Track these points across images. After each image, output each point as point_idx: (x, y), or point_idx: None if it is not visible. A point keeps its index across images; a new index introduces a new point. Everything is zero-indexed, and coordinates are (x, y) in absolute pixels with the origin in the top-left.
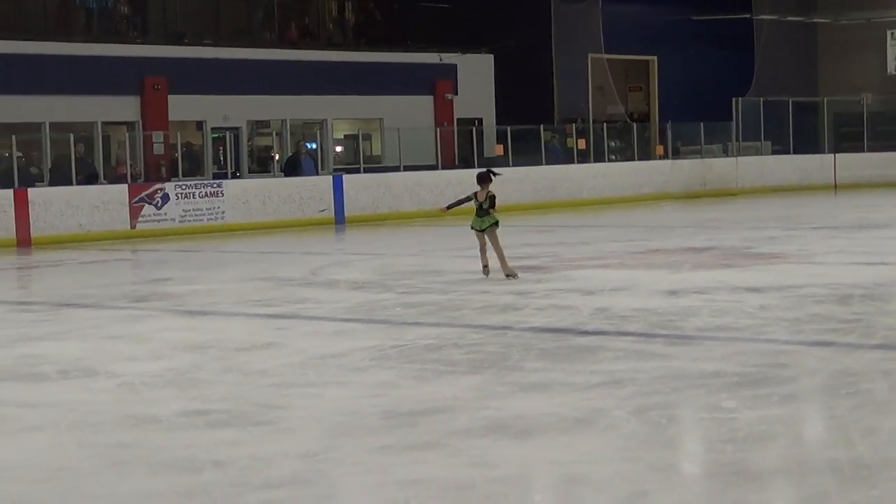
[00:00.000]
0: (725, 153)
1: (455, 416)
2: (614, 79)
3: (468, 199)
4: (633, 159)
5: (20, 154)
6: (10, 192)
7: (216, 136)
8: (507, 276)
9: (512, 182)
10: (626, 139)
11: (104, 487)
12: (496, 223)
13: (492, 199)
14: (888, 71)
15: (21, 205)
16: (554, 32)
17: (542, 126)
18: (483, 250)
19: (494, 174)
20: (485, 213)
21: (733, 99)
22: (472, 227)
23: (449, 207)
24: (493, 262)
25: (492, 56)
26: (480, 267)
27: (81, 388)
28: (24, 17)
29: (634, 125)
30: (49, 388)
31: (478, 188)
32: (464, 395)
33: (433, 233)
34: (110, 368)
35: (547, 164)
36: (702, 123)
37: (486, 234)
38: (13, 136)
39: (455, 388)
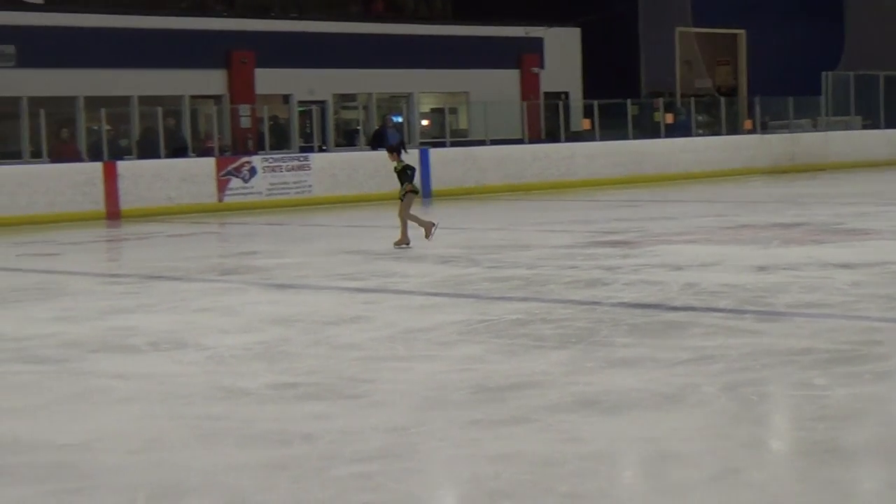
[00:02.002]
0: (814, 128)
1: (544, 392)
2: (702, 52)
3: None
4: (721, 134)
5: (109, 127)
6: (100, 165)
7: (302, 109)
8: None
9: (598, 157)
10: (713, 113)
11: (195, 459)
12: (406, 193)
13: (405, 169)
14: None
15: (110, 178)
16: (641, 6)
17: (628, 100)
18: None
19: (398, 149)
20: (401, 181)
21: (823, 73)
22: (415, 190)
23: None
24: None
25: (579, 30)
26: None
27: (171, 360)
28: None
29: (722, 99)
30: (140, 360)
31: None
32: (552, 371)
33: (520, 206)
34: (200, 341)
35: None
36: (791, 98)
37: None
38: (102, 110)
39: (544, 363)
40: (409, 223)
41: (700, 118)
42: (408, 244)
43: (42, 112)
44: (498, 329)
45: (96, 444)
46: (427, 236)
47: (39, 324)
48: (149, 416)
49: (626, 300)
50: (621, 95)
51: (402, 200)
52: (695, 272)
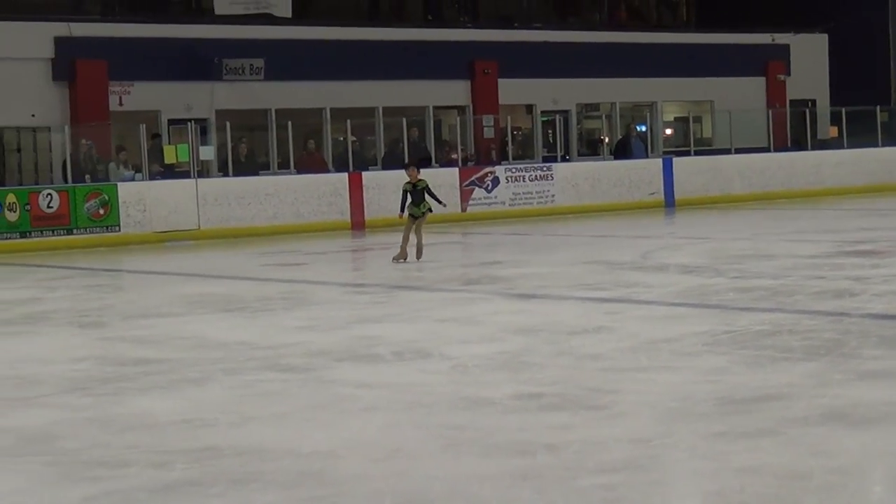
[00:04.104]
0: None
1: (791, 404)
2: None
3: (405, 193)
4: None
5: (354, 138)
6: (345, 175)
7: (545, 119)
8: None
9: (846, 165)
10: None
11: (439, 468)
12: (430, 210)
13: (426, 186)
14: None
15: (356, 188)
16: (891, 10)
17: (877, 107)
18: (407, 238)
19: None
20: (421, 198)
21: None
22: (411, 214)
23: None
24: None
25: (826, 36)
26: (406, 254)
27: (416, 369)
28: (358, 4)
29: None
30: (385, 370)
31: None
32: (800, 383)
33: (765, 216)
34: (443, 351)
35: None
36: None
37: (420, 220)
38: (348, 121)
39: (790, 375)
40: (406, 239)
41: None
42: (405, 259)
43: (289, 124)
44: (743, 340)
45: (341, 452)
46: (397, 259)
47: (286, 333)
48: (393, 425)
49: (875, 311)
50: (870, 102)
51: (416, 218)
52: None
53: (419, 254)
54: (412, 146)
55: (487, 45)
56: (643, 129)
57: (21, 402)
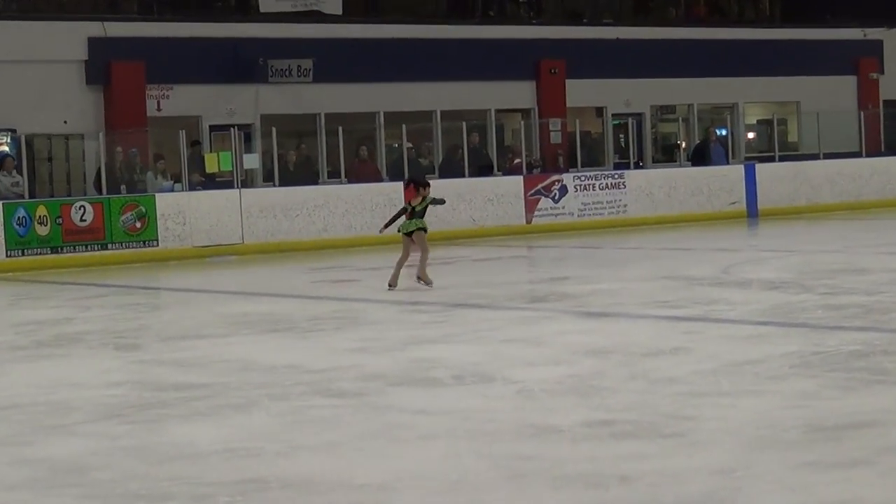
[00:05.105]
0: None
1: (886, 431)
2: None
3: (402, 211)
4: None
5: (410, 144)
6: (400, 184)
7: (617, 122)
8: (422, 281)
9: None
10: None
11: (504, 501)
12: (424, 228)
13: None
14: None
15: (410, 199)
16: None
17: None
18: (403, 260)
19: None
20: (418, 216)
21: None
22: (400, 231)
23: (385, 227)
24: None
25: None
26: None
27: (477, 394)
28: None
29: None
30: (444, 395)
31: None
32: (895, 408)
33: (857, 227)
34: (507, 374)
35: None
36: None
37: (415, 238)
38: (403, 126)
39: (885, 400)
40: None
41: None
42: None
43: (340, 129)
44: (834, 362)
45: (397, 484)
46: (391, 285)
47: (337, 355)
48: (454, 454)
49: None
50: None
51: (411, 234)
52: None
53: (425, 277)
54: (472, 152)
55: (554, 42)
56: (723, 132)
57: (53, 429)
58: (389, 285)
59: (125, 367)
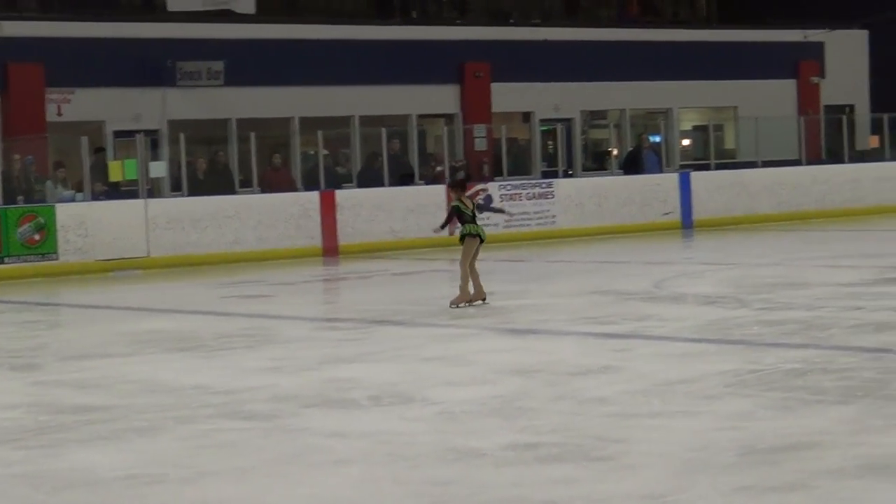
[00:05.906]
0: None
1: (824, 454)
2: None
3: (453, 211)
4: None
5: (327, 152)
6: (316, 194)
7: (545, 128)
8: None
9: (889, 179)
10: None
11: None
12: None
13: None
14: None
15: (328, 209)
16: None
17: None
18: (468, 271)
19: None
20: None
21: None
22: (472, 234)
23: (442, 227)
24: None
25: (866, 32)
26: (481, 294)
27: (396, 416)
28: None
29: None
30: (361, 417)
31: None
32: (834, 429)
33: (796, 238)
34: (428, 395)
35: None
36: None
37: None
38: (319, 132)
39: (824, 421)
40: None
41: None
42: (483, 300)
43: (252, 136)
44: (771, 381)
45: None
46: (456, 304)
47: (248, 375)
48: (371, 480)
49: None
50: None
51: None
52: None
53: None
54: (392, 160)
55: (479, 44)
56: (657, 139)
57: None
58: (482, 300)
59: (21, 389)
